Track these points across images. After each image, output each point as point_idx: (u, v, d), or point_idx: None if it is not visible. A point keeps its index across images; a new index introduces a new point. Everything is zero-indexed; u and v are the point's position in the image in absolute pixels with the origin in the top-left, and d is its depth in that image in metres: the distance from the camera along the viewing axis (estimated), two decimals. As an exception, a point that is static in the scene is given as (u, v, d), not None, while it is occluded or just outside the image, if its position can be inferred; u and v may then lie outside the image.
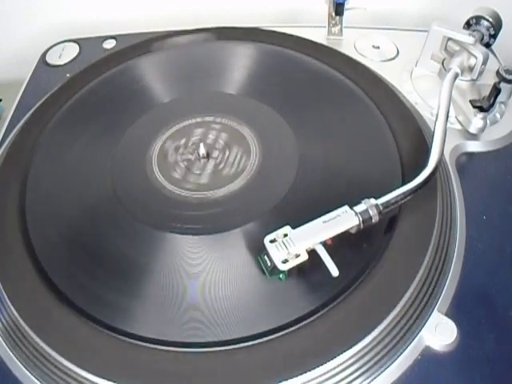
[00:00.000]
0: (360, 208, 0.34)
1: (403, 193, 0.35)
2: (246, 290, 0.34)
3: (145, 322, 0.33)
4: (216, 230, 0.37)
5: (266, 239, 0.34)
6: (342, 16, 0.54)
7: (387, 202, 0.35)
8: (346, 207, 0.35)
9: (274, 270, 0.33)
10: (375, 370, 0.31)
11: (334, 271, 0.32)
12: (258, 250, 0.35)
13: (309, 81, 0.49)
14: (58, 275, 0.36)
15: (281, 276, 0.34)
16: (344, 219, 0.34)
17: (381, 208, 0.34)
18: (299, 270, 0.34)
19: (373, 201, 0.35)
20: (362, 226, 0.34)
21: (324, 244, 0.33)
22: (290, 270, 0.34)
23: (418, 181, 0.36)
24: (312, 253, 0.33)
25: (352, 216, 0.34)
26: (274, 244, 0.33)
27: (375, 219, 0.34)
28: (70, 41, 0.59)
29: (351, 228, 0.34)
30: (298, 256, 0.33)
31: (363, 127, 0.44)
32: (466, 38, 0.45)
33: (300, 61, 0.50)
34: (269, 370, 0.31)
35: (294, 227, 0.34)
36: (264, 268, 0.34)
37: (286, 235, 0.34)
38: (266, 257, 0.34)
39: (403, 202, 0.36)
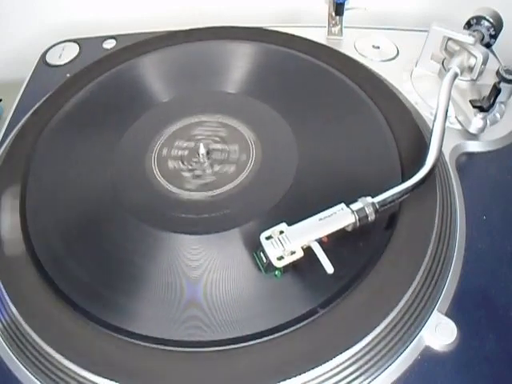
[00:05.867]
0: (356, 206, 0.34)
1: (400, 191, 0.36)
2: (246, 290, 0.34)
3: (145, 321, 0.33)
4: (215, 230, 0.37)
5: (262, 236, 0.34)
6: (341, 16, 0.54)
7: (384, 200, 0.35)
8: (343, 205, 0.35)
9: (270, 266, 0.33)
10: (375, 370, 0.31)
11: (329, 268, 0.32)
12: (255, 247, 0.35)
13: (309, 80, 0.49)
14: (58, 275, 0.36)
15: (276, 273, 0.34)
16: (340, 217, 0.34)
17: (377, 206, 0.35)
18: (299, 270, 0.34)
19: (369, 199, 0.35)
20: (358, 223, 0.34)
21: (320, 241, 0.33)
22: (290, 270, 0.34)
23: (415, 179, 0.36)
24: (311, 251, 0.33)
25: (348, 214, 0.34)
26: (269, 241, 0.33)
27: (371, 217, 0.34)
28: (69, 41, 0.59)
29: (347, 226, 0.34)
30: (293, 253, 0.33)
31: (363, 127, 0.44)
32: (466, 38, 0.45)
33: (300, 60, 0.50)
34: (268, 369, 0.31)
35: (291, 225, 0.34)
36: (260, 265, 0.34)
37: (281, 232, 0.34)
38: (261, 253, 0.34)
39: (400, 200, 0.36)
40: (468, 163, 0.44)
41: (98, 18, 0.66)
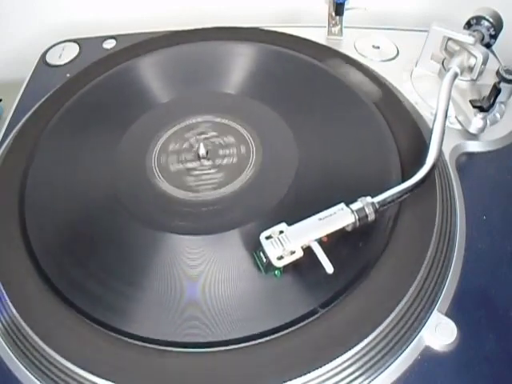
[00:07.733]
0: (356, 206, 0.35)
1: (400, 191, 0.36)
2: (246, 290, 0.34)
3: (145, 322, 0.33)
4: (215, 231, 0.37)
5: (262, 236, 0.34)
6: (341, 16, 0.54)
7: (384, 200, 0.35)
8: (342, 205, 0.35)
9: (270, 266, 0.33)
10: (375, 370, 0.31)
11: (329, 268, 0.32)
12: (255, 247, 0.35)
13: (308, 81, 0.49)
14: (57, 275, 0.36)
15: (276, 272, 0.34)
16: (340, 217, 0.34)
17: (377, 206, 0.35)
18: (299, 270, 0.34)
19: (369, 199, 0.35)
20: (358, 223, 0.34)
21: (320, 241, 0.33)
22: (290, 270, 0.34)
23: (415, 179, 0.36)
24: (311, 251, 0.33)
25: (348, 213, 0.34)
26: (269, 240, 0.33)
27: (371, 217, 0.34)
28: (69, 41, 0.59)
29: (347, 226, 0.34)
30: (293, 253, 0.33)
31: (362, 127, 0.44)
32: (466, 38, 0.45)
33: (300, 61, 0.50)
34: (269, 370, 0.31)
35: (291, 225, 0.34)
36: (259, 264, 0.34)
37: (281, 232, 0.34)
38: (261, 253, 0.34)
39: (400, 200, 0.36)
40: (468, 163, 0.44)
41: (98, 18, 0.66)
